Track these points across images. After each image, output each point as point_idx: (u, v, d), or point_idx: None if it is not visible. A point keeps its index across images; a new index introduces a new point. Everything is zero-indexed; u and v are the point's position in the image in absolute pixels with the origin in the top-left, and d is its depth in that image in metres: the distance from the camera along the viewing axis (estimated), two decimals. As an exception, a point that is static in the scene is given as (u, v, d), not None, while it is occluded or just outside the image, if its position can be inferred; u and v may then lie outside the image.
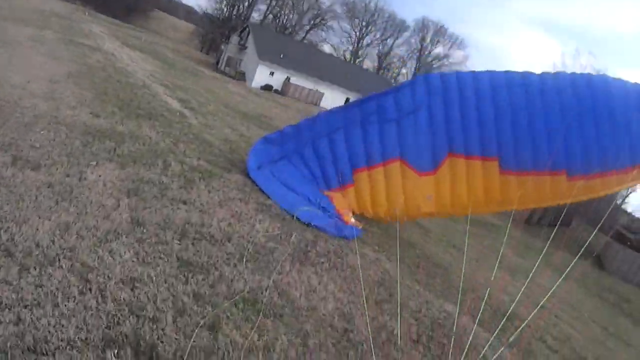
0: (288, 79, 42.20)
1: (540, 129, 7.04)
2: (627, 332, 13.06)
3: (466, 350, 5.13)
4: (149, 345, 3.62)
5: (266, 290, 5.04)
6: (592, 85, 7.16)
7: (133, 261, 4.75)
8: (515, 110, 7.17)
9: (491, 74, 7.61)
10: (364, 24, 72.32)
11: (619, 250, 24.24)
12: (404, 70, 75.79)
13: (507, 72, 7.59)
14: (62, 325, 3.48)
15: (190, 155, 8.90)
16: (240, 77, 41.22)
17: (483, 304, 4.65)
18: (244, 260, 5.52)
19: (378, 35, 73.33)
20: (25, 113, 7.86)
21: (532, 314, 6.90)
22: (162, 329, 3.84)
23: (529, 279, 4.45)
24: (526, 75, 7.42)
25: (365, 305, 5.48)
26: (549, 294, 4.58)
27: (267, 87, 40.84)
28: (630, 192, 34.19)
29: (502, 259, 5.63)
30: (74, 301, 3.83)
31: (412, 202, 7.84)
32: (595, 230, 5.00)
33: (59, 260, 4.30)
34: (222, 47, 52.52)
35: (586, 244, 4.76)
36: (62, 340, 3.35)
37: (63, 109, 8.96)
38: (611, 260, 24.17)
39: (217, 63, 48.12)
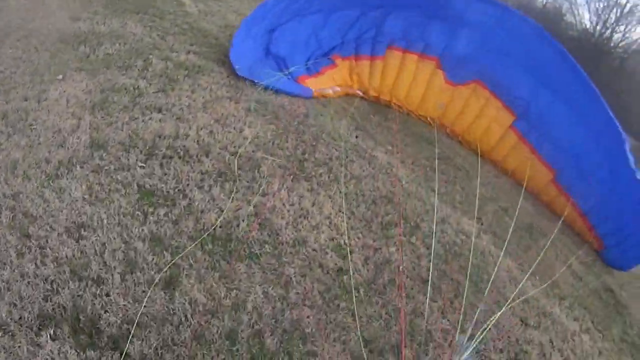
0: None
1: None
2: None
3: (488, 287, 4.48)
4: (89, 319, 3.12)
5: (243, 221, 4.33)
6: None
7: (84, 199, 4.09)
8: None
9: None
10: None
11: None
12: None
13: None
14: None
15: (178, 50, 7.54)
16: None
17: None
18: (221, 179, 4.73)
19: None
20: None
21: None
22: (107, 294, 3.30)
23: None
24: None
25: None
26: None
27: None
28: None
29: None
30: (10, 268, 3.33)
31: (426, 105, 8.41)
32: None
33: (1, 213, 3.79)
34: None
35: None
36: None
37: (39, 18, 7.96)
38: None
39: None
